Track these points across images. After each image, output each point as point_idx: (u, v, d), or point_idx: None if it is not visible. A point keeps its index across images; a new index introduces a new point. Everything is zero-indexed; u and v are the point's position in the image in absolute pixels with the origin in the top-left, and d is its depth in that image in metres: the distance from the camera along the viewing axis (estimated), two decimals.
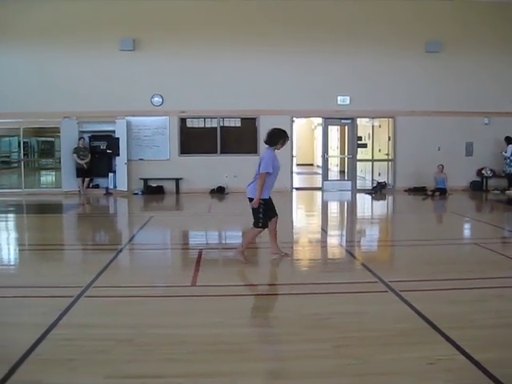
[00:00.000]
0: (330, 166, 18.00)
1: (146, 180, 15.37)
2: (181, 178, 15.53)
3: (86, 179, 15.24)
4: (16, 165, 17.24)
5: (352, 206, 14.33)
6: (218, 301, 5.08)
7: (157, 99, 15.47)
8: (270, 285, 5.85)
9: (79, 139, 15.09)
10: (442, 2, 15.42)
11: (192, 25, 15.06)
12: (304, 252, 7.83)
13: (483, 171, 15.94)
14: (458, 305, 4.82)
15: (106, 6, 14.96)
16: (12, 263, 7.20)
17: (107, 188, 15.46)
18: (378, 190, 15.70)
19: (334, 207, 14.70)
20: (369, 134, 17.03)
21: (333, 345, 3.87)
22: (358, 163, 16.62)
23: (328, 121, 16.58)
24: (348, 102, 15.76)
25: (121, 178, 15.39)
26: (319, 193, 16.26)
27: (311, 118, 21.95)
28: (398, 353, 3.74)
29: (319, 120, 18.12)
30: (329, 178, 17.24)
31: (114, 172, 15.59)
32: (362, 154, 16.80)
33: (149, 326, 4.30)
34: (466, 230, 10.08)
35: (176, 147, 15.64)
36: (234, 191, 14.71)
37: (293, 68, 15.48)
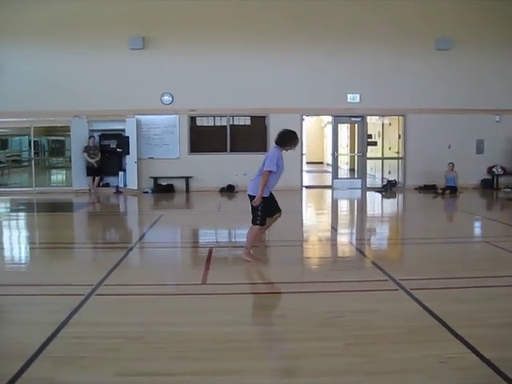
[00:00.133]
0: (339, 164, 17.93)
1: (155, 178, 15.41)
2: (191, 177, 15.55)
3: (97, 178, 15.30)
4: (27, 164, 17.33)
5: (362, 204, 14.28)
6: (228, 299, 5.08)
7: (166, 98, 15.49)
8: (280, 283, 5.83)
9: (89, 138, 15.15)
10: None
11: (202, 23, 15.05)
12: (314, 250, 7.81)
13: (494, 169, 15.81)
14: (467, 303, 4.79)
15: (116, 5, 15.00)
16: (23, 261, 7.26)
17: (117, 187, 15.51)
18: (388, 188, 15.64)
19: (343, 205, 14.65)
20: (379, 132, 16.98)
21: (344, 343, 3.87)
22: (367, 161, 16.54)
23: (338, 119, 16.51)
24: (358, 100, 15.70)
25: (131, 176, 15.45)
26: (329, 191, 16.21)
27: (321, 116, 21.89)
28: (408, 351, 3.73)
29: (329, 118, 18.08)
30: (339, 176, 17.16)
31: (124, 171, 15.66)
32: (371, 152, 16.76)
33: (159, 324, 4.31)
34: (477, 229, 10.02)
35: (186, 146, 15.65)
36: (244, 189, 14.40)
37: (303, 66, 15.43)
